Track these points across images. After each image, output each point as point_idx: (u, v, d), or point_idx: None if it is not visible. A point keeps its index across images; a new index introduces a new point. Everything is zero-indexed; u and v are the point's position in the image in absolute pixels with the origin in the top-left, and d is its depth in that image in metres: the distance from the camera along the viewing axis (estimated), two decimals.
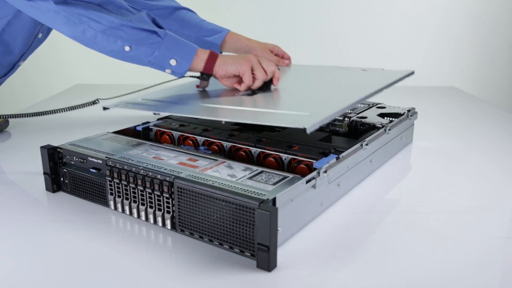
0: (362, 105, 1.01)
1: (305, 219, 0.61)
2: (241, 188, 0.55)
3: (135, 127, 0.84)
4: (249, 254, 0.53)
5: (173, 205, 0.58)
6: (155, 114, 0.78)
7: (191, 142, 0.79)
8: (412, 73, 0.94)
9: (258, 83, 0.80)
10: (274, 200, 0.52)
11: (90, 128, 1.03)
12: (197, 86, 0.86)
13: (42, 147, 0.70)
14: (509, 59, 2.46)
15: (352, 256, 0.55)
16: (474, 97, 1.48)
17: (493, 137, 1.02)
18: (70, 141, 0.73)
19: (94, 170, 0.66)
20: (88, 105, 0.86)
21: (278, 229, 0.52)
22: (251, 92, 0.82)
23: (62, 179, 0.71)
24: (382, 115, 0.91)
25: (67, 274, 0.51)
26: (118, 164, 0.63)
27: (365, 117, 0.89)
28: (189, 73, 0.82)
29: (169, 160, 0.65)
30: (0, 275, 0.51)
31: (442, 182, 0.77)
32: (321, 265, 0.53)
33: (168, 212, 0.59)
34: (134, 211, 0.63)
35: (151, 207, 0.61)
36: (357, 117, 0.88)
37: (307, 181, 0.59)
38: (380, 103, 1.00)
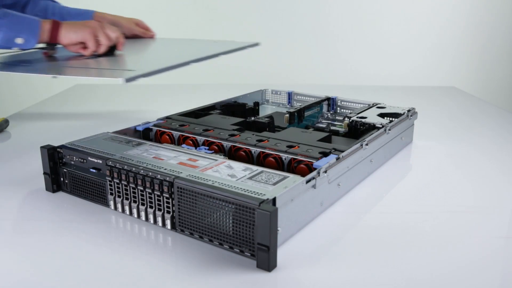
0: (362, 105, 1.01)
1: (305, 219, 0.61)
2: (241, 188, 0.55)
3: (135, 127, 0.84)
4: (249, 254, 0.53)
5: (173, 205, 0.58)
6: None
7: (191, 142, 0.79)
8: (257, 44, 1.00)
9: (102, 48, 0.84)
10: (274, 200, 0.52)
11: (90, 128, 1.03)
12: (45, 54, 0.89)
13: (42, 147, 0.70)
14: (509, 59, 2.46)
15: (352, 256, 0.55)
16: (474, 97, 1.48)
17: (493, 137, 1.02)
18: (70, 141, 0.73)
19: (94, 170, 0.66)
20: None
21: (278, 229, 0.52)
22: (96, 56, 0.86)
23: (62, 179, 0.71)
24: (382, 115, 0.91)
25: (67, 274, 0.51)
26: (118, 164, 0.63)
27: (365, 117, 0.89)
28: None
29: (169, 160, 0.65)
30: (0, 275, 0.51)
31: (442, 182, 0.77)
32: (321, 265, 0.53)
33: (168, 212, 0.59)
34: (134, 211, 0.63)
35: (151, 207, 0.61)
36: (357, 117, 0.88)
37: (307, 181, 0.59)
38: (380, 103, 1.00)
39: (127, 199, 0.63)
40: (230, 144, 0.75)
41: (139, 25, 1.15)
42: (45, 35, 0.82)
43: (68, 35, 0.82)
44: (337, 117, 1.03)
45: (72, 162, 0.69)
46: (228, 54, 0.89)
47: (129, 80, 0.63)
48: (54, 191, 0.72)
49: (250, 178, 0.59)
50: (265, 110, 1.12)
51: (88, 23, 0.84)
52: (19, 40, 0.79)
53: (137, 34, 1.13)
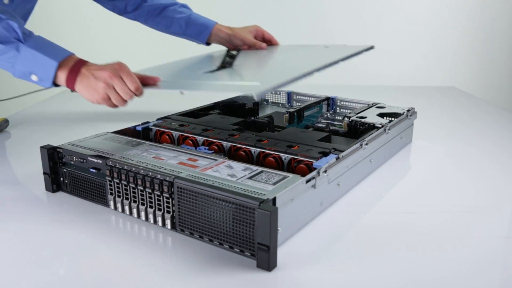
0: (361, 105, 1.01)
1: (305, 219, 0.61)
2: (241, 188, 0.55)
3: (134, 127, 0.84)
4: (249, 254, 0.53)
5: (173, 205, 0.58)
6: None
7: (191, 142, 0.79)
8: (372, 47, 0.96)
9: (122, 104, 0.74)
10: (274, 200, 0.52)
11: (90, 128, 1.03)
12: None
13: (42, 147, 0.70)
14: (509, 59, 2.46)
15: (352, 256, 0.55)
16: (474, 97, 1.48)
17: (493, 137, 1.02)
18: (70, 141, 0.73)
19: (94, 170, 0.66)
20: None
21: (278, 229, 0.52)
22: (213, 70, 0.83)
23: (62, 179, 0.71)
24: (381, 115, 0.91)
25: (67, 274, 0.51)
26: (118, 164, 0.63)
27: (365, 117, 0.89)
28: None
29: (169, 160, 0.65)
30: (0, 275, 0.51)
31: (441, 182, 0.77)
32: (321, 265, 0.53)
33: (168, 212, 0.59)
34: (134, 211, 0.63)
35: (151, 207, 0.61)
36: (356, 117, 0.89)
37: (307, 181, 0.59)
38: (379, 103, 1.00)
39: (127, 199, 0.63)
40: (230, 144, 0.75)
41: (254, 34, 1.11)
42: (61, 80, 0.73)
43: (80, 92, 0.74)
44: (336, 117, 1.03)
45: (72, 162, 0.69)
46: (346, 60, 0.85)
47: (258, 95, 0.61)
48: (54, 191, 0.72)
49: (250, 178, 0.59)
50: (265, 110, 1.12)
51: (102, 79, 0.71)
52: (33, 77, 0.73)
53: (250, 45, 1.09)
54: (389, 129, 0.83)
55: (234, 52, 0.88)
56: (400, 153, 0.91)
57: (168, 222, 0.59)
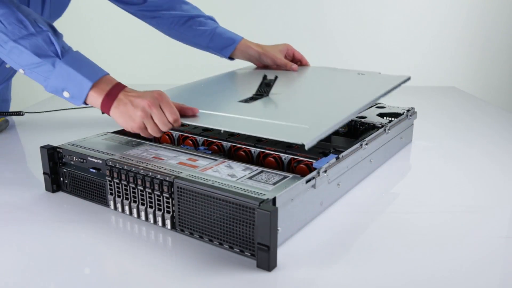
0: None
1: (305, 219, 0.61)
2: (241, 188, 0.55)
3: None
4: (249, 254, 0.53)
5: (173, 205, 0.58)
6: None
7: (190, 142, 0.79)
8: (409, 79, 0.95)
9: (158, 135, 0.71)
10: (274, 200, 0.52)
11: (90, 128, 1.03)
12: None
13: (42, 147, 0.70)
14: (509, 59, 2.46)
15: (352, 256, 0.55)
16: (474, 97, 1.48)
17: (493, 137, 1.02)
18: (70, 141, 0.73)
19: (94, 170, 0.66)
20: (12, 115, 1.02)
21: (278, 229, 0.52)
22: (249, 98, 0.82)
23: (62, 179, 0.71)
24: (381, 115, 0.91)
25: (67, 274, 0.51)
26: (118, 164, 0.63)
27: (365, 117, 0.89)
28: None
29: (169, 160, 0.65)
30: (0, 275, 0.51)
31: (441, 182, 0.77)
32: (321, 265, 0.53)
33: (168, 212, 0.59)
34: (134, 211, 0.63)
35: (151, 207, 0.61)
36: (356, 117, 0.89)
37: (307, 181, 0.59)
38: (379, 103, 1.00)
39: (127, 199, 0.63)
40: (230, 144, 0.75)
41: (284, 53, 1.09)
42: (95, 102, 0.71)
43: (115, 118, 0.70)
44: None
45: (72, 162, 0.69)
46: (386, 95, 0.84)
47: (309, 144, 0.60)
48: (54, 191, 0.72)
49: (250, 178, 0.59)
50: None
51: (140, 108, 0.68)
52: (65, 94, 0.71)
53: (280, 65, 1.07)
54: (389, 129, 0.83)
55: (269, 79, 0.86)
56: (400, 153, 0.91)
57: (168, 222, 0.59)
